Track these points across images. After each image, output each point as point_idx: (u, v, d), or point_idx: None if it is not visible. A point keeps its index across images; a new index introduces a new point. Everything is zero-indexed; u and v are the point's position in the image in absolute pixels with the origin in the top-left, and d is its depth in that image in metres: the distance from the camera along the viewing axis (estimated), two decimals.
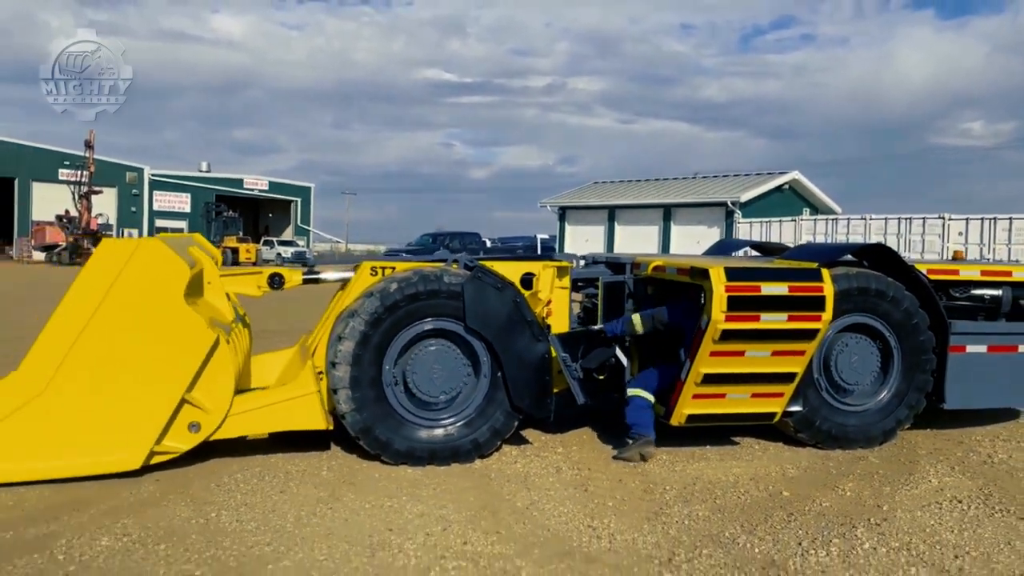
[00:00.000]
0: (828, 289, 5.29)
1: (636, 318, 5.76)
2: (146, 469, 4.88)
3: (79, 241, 40.94)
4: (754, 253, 8.34)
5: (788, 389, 5.52)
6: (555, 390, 5.61)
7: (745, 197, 34.39)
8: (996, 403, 6.67)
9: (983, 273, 6.51)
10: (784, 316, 5.21)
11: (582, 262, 6.74)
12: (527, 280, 5.80)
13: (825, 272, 5.39)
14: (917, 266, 6.20)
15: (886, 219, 28.75)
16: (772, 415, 5.63)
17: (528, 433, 6.05)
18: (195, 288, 5.37)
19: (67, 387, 4.70)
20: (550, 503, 4.62)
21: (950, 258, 8.24)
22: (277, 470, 5.09)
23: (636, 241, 37.76)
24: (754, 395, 5.50)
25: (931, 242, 27.23)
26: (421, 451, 5.28)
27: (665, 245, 36.67)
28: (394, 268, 5.64)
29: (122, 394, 4.75)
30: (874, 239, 28.78)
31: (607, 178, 44.62)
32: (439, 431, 5.36)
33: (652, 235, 37.79)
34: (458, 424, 5.39)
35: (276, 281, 5.81)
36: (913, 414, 6.11)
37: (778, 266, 5.66)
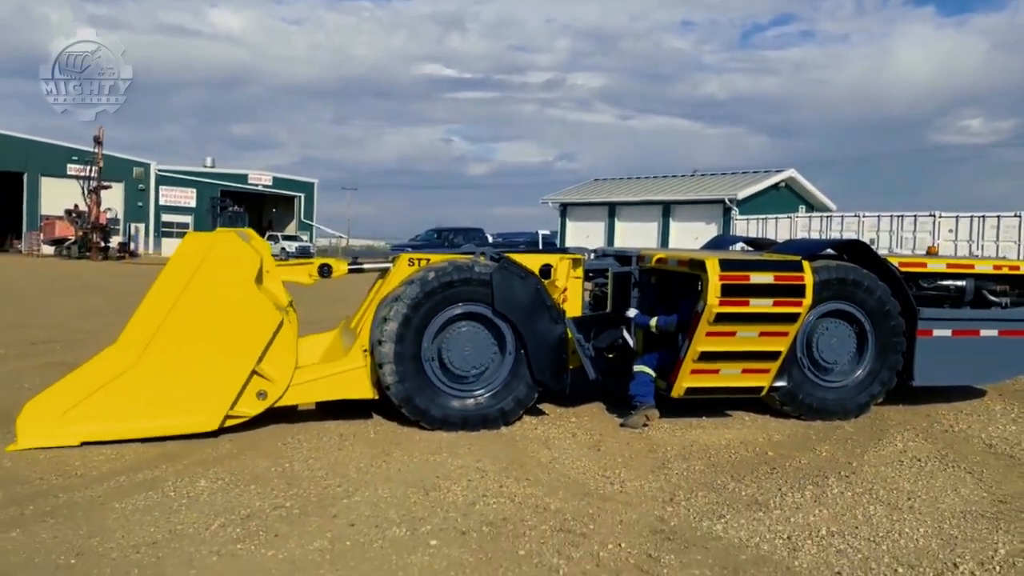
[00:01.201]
0: (808, 278, 6.10)
1: (654, 322, 6.53)
2: (220, 431, 5.68)
3: (88, 235, 41.73)
4: (747, 248, 9.12)
5: (774, 366, 6.32)
6: (570, 367, 6.41)
7: (742, 195, 35.18)
8: (959, 381, 7.48)
9: (949, 266, 7.32)
10: (770, 301, 6.01)
11: (592, 255, 7.52)
12: (546, 270, 6.59)
13: (806, 264, 6.19)
14: (890, 259, 7.00)
15: (879, 216, 29.56)
16: (760, 389, 6.43)
17: (545, 406, 6.84)
18: (258, 276, 6.16)
19: (157, 359, 5.49)
20: (569, 459, 5.43)
21: (924, 252, 9.04)
22: (332, 433, 5.89)
23: (636, 237, 38.55)
24: (744, 371, 6.30)
25: (922, 239, 28.02)
26: (455, 418, 6.07)
27: (664, 241, 37.45)
28: (428, 259, 6.43)
29: (203, 365, 5.55)
30: (867, 236, 29.58)
31: (607, 174, 45.43)
32: (470, 401, 6.15)
33: (651, 231, 38.57)
34: (487, 395, 6.19)
35: (325, 271, 6.58)
36: (885, 390, 6.90)
37: (766, 258, 6.46)
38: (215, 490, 4.57)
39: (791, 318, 6.11)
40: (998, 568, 3.74)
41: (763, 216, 33.52)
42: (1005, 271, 7.45)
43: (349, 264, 6.75)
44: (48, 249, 45.26)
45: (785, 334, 6.20)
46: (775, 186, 36.78)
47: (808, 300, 6.10)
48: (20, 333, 10.87)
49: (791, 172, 37.37)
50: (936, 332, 6.99)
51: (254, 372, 5.69)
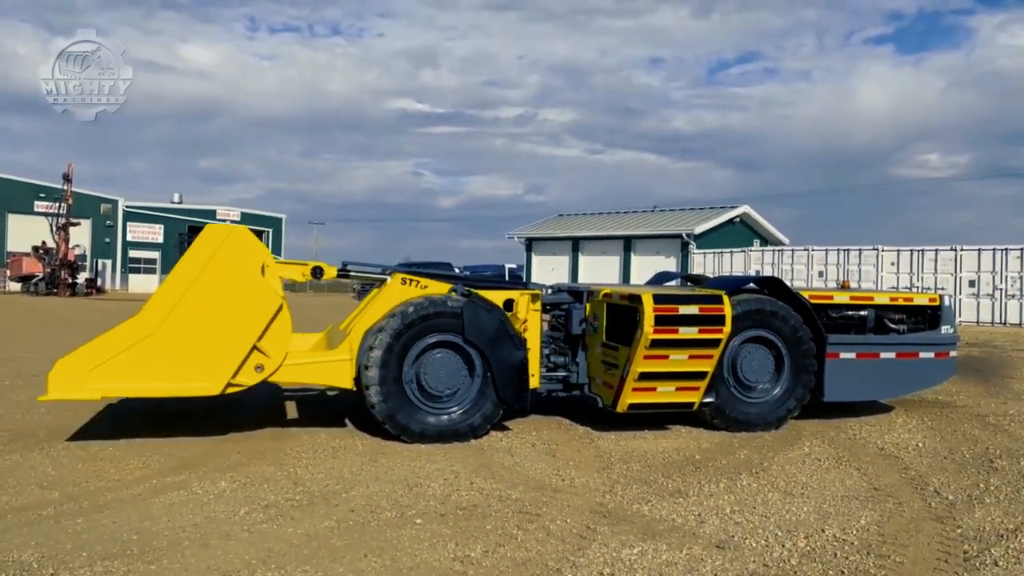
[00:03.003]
0: (727, 310, 7.26)
1: None
2: (226, 444, 6.61)
3: (56, 272, 41.97)
4: (687, 283, 10.32)
5: (702, 384, 7.44)
6: (531, 388, 7.46)
7: (699, 229, 36.80)
8: (863, 397, 8.68)
9: (852, 298, 8.55)
10: (696, 329, 7.15)
11: (550, 290, 8.62)
12: (509, 304, 7.65)
13: (725, 297, 7.36)
14: (802, 292, 8.20)
15: (826, 250, 31.26)
16: (692, 404, 7.54)
17: (509, 423, 7.87)
18: (262, 267, 6.94)
19: (172, 330, 6.44)
20: (528, 463, 6.47)
21: (839, 286, 10.30)
22: (325, 446, 6.86)
23: (599, 270, 39.94)
24: (677, 388, 7.41)
25: (867, 271, 29.77)
26: (431, 432, 7.07)
27: (626, 275, 38.85)
28: (419, 280, 7.43)
29: (211, 338, 6.49)
30: (816, 269, 31.29)
31: (575, 207, 47.08)
32: (444, 417, 7.16)
33: (614, 265, 40.00)
34: (459, 412, 7.20)
35: (317, 272, 7.46)
36: (800, 405, 8.04)
37: (693, 293, 7.62)
38: (235, 488, 5.52)
39: (714, 343, 7.26)
40: (855, 531, 4.84)
41: (719, 250, 35.13)
42: (900, 302, 8.71)
43: (339, 269, 7.66)
44: (15, 286, 45.28)
45: (710, 357, 7.33)
46: (731, 221, 38.53)
47: (728, 328, 7.25)
48: (18, 366, 11.64)
49: (746, 208, 39.18)
50: (843, 355, 8.18)
51: (255, 347, 6.64)
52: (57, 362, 6.30)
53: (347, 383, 7.09)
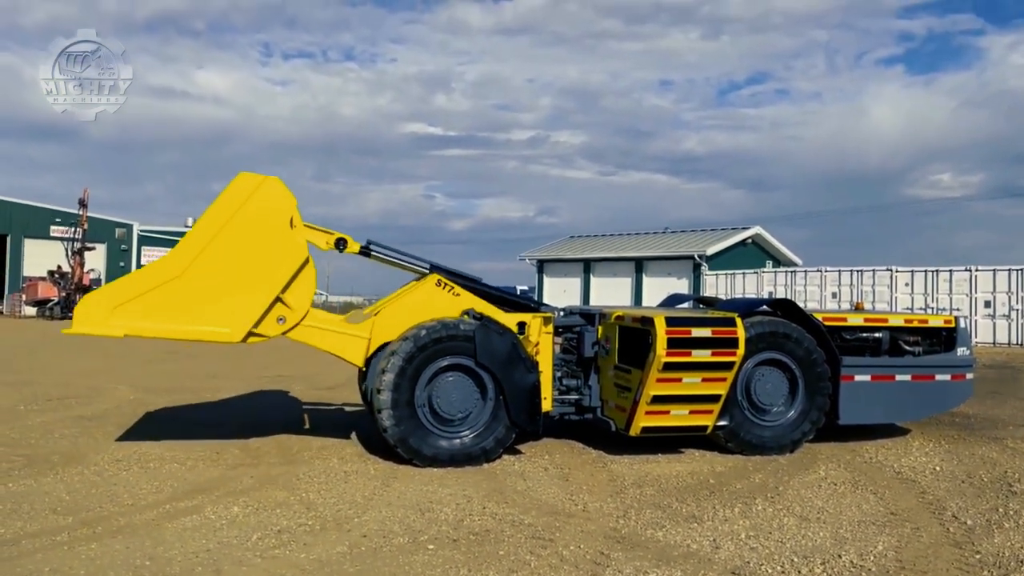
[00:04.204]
0: (740, 332, 7.23)
1: None
2: (238, 469, 6.61)
3: (71, 296, 42.29)
4: (699, 305, 10.28)
5: (716, 407, 7.40)
6: (543, 411, 7.44)
7: (711, 251, 36.74)
8: (878, 420, 8.59)
9: (866, 320, 8.50)
10: (708, 352, 7.12)
11: (562, 313, 8.61)
12: (521, 326, 7.65)
13: (738, 319, 7.33)
14: (816, 314, 8.16)
15: (840, 271, 31.09)
16: (705, 427, 7.49)
17: (521, 446, 7.84)
18: (291, 221, 6.95)
19: (199, 274, 6.52)
20: (541, 487, 6.43)
21: (853, 308, 10.24)
22: (336, 471, 6.85)
23: (610, 292, 39.86)
24: (691, 412, 7.37)
25: (881, 292, 29.58)
26: (443, 456, 7.05)
27: (637, 296, 38.77)
28: (453, 287, 7.46)
29: (236, 285, 6.56)
30: (829, 290, 31.14)
31: (587, 228, 47.09)
32: (456, 441, 7.14)
33: (625, 286, 39.94)
34: (471, 436, 7.18)
35: (341, 244, 7.39)
36: (815, 428, 7.97)
37: (705, 315, 7.60)
38: (248, 513, 5.52)
39: (727, 366, 7.22)
40: (872, 558, 4.77)
41: (731, 271, 35.01)
42: (915, 324, 8.64)
43: (362, 247, 7.57)
44: (30, 310, 45.66)
45: (724, 379, 7.29)
46: (742, 242, 38.43)
47: (741, 350, 7.22)
48: (34, 390, 11.69)
49: (757, 229, 39.09)
50: (857, 377, 8.11)
51: (278, 298, 6.69)
52: (83, 298, 6.44)
53: (358, 360, 7.23)
